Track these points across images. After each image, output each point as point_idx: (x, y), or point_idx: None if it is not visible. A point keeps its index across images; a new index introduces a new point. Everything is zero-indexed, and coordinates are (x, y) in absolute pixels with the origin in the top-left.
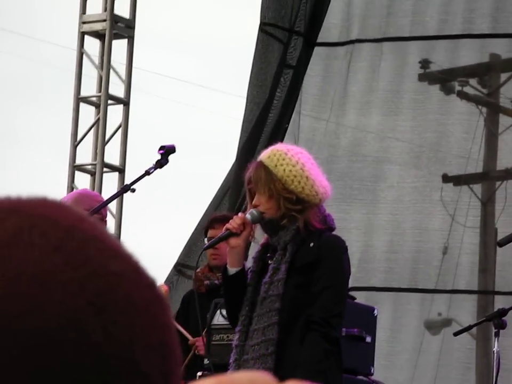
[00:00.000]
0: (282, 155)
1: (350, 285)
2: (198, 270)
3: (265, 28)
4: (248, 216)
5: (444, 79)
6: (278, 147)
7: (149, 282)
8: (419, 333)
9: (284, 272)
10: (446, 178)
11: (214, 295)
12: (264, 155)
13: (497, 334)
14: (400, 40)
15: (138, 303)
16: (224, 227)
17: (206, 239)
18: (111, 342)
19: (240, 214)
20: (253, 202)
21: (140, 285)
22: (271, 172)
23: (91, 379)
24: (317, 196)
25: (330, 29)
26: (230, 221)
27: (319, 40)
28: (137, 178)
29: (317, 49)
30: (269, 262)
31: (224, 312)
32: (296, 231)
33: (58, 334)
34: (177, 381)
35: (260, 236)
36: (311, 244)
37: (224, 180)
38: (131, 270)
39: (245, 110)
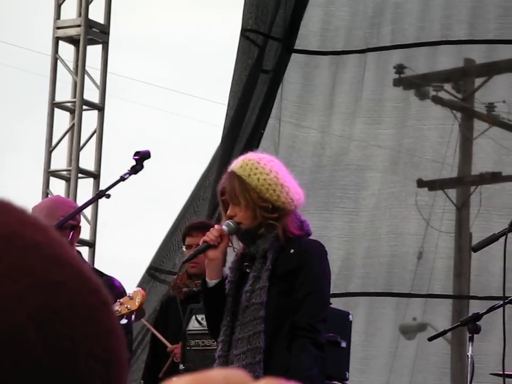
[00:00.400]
0: (254, 164)
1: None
2: (176, 277)
3: (246, 34)
4: (224, 227)
5: (419, 84)
6: (249, 156)
7: (92, 287)
8: (394, 337)
9: (266, 280)
10: (421, 183)
11: (193, 302)
12: (236, 165)
13: (471, 339)
14: (381, 50)
15: (81, 311)
16: (202, 239)
17: (184, 247)
18: (52, 355)
19: (216, 225)
20: (228, 213)
21: (83, 291)
22: (245, 181)
23: None
24: (293, 203)
25: (309, 36)
26: (207, 233)
27: (298, 47)
28: (112, 184)
29: (295, 56)
30: (247, 270)
31: (199, 317)
32: (275, 239)
33: None
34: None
35: (237, 245)
36: (292, 251)
37: (196, 185)
38: (74, 276)
39: (226, 116)
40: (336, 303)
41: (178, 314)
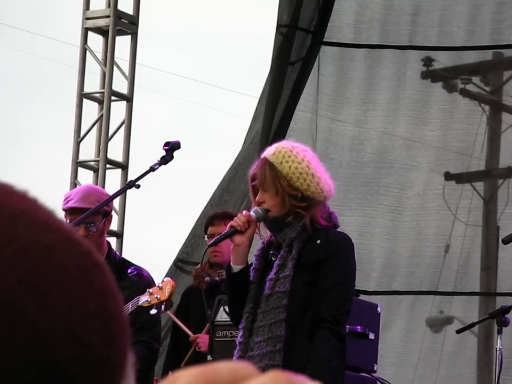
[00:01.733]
0: (287, 152)
1: (372, 289)
2: (198, 266)
3: (280, 30)
4: (252, 213)
5: (447, 77)
6: (283, 144)
7: (83, 250)
8: (426, 332)
9: (291, 269)
10: (448, 176)
11: (215, 292)
12: (269, 152)
13: (500, 332)
14: (427, 50)
15: (73, 272)
16: (229, 224)
17: (206, 236)
18: (47, 316)
19: (244, 211)
20: (257, 199)
21: (74, 254)
22: (277, 168)
23: (31, 356)
24: (322, 194)
25: (343, 28)
26: (235, 218)
27: (332, 39)
28: (142, 174)
29: (329, 49)
30: (273, 259)
31: (227, 308)
32: (302, 228)
33: None
34: (124, 345)
35: (264, 233)
36: (318, 241)
37: (224, 178)
38: (63, 240)
39: (265, 110)
40: (379, 301)
41: (200, 304)
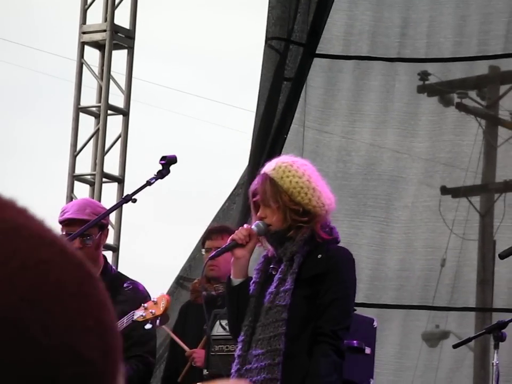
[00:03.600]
0: (288, 167)
1: (360, 301)
2: (196, 280)
3: (269, 42)
4: (254, 227)
5: (443, 91)
6: (282, 159)
7: (77, 262)
8: (426, 348)
9: (291, 283)
10: (444, 190)
11: (212, 306)
12: (269, 167)
13: (496, 347)
14: (415, 62)
15: (70, 286)
16: (230, 238)
17: (203, 250)
18: (49, 333)
19: (245, 225)
20: (258, 214)
21: (70, 266)
22: (277, 183)
23: (34, 374)
24: (323, 208)
25: (332, 40)
26: (236, 232)
27: (321, 51)
28: (138, 188)
29: (318, 61)
30: (273, 273)
31: (223, 323)
32: (303, 242)
33: None
34: (117, 355)
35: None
36: (319, 256)
37: (229, 196)
38: (59, 253)
39: (254, 125)
40: (367, 313)
41: (197, 319)
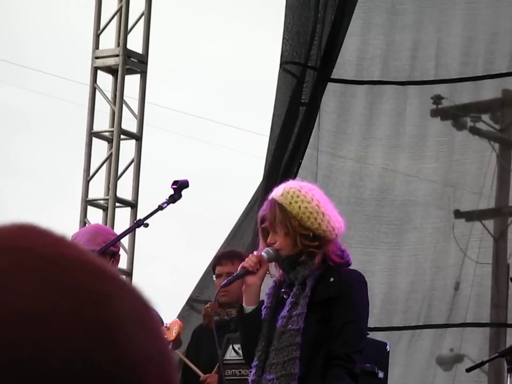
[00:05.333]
0: (296, 192)
1: (372, 325)
2: (208, 305)
3: (284, 66)
4: (264, 254)
5: (457, 115)
6: (290, 184)
7: (136, 295)
8: (432, 368)
9: (304, 307)
10: (458, 214)
11: (224, 331)
12: (277, 193)
13: (510, 370)
14: (424, 84)
15: (135, 319)
16: (240, 265)
17: (214, 276)
18: (119, 364)
19: (255, 252)
20: (268, 241)
21: (131, 300)
22: (286, 209)
23: None
24: (333, 232)
25: (345, 65)
26: (246, 259)
27: (334, 76)
28: (150, 213)
29: (331, 85)
30: (285, 296)
31: (236, 347)
32: (315, 266)
33: (66, 369)
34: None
35: (274, 272)
36: (331, 279)
37: (240, 218)
38: (119, 287)
39: (267, 150)
40: (379, 337)
41: (210, 344)
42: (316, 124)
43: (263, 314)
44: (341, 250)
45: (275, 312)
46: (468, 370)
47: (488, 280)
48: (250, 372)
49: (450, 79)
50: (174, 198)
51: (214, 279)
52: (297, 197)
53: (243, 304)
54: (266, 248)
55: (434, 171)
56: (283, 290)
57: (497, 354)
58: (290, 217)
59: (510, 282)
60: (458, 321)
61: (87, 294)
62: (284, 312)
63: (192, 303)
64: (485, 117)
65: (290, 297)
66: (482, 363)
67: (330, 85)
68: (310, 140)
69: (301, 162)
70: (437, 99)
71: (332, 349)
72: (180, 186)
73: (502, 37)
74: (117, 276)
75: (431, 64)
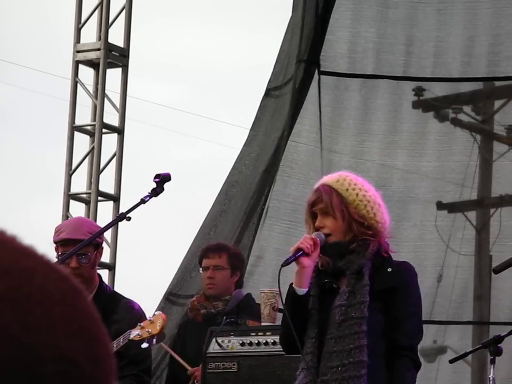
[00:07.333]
0: (353, 180)
1: None
2: (194, 298)
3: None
4: (317, 237)
5: (438, 107)
6: (345, 173)
7: (63, 275)
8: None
9: (366, 295)
10: (440, 206)
11: (211, 324)
12: (331, 179)
13: (493, 361)
14: (422, 81)
15: (54, 294)
16: (295, 247)
17: (201, 269)
18: (30, 332)
19: (308, 235)
20: (317, 224)
21: (54, 277)
22: (343, 195)
23: (17, 370)
24: (385, 225)
25: (337, 58)
26: (301, 240)
27: (327, 69)
28: (132, 207)
29: (324, 78)
30: (334, 286)
31: (219, 340)
32: (371, 255)
33: None
34: (109, 367)
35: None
36: (389, 269)
37: (211, 209)
38: (43, 265)
39: (247, 140)
40: None
41: (196, 337)
42: (317, 119)
43: (311, 303)
44: (388, 243)
45: (322, 301)
46: (451, 361)
47: (471, 271)
48: (235, 366)
49: (450, 78)
50: (156, 192)
51: (201, 271)
52: (355, 184)
53: (294, 286)
54: (317, 232)
55: (433, 169)
56: (327, 280)
57: (480, 345)
58: (346, 203)
59: (492, 273)
60: (442, 314)
61: (4, 266)
62: (341, 301)
63: (170, 297)
64: (467, 109)
65: (345, 286)
66: (466, 354)
67: (324, 78)
68: (313, 136)
69: (282, 154)
70: (419, 91)
71: (396, 338)
72: (162, 180)
73: (505, 38)
74: (46, 259)
75: (429, 61)
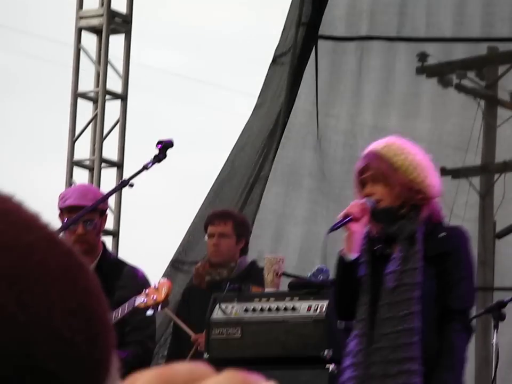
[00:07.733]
0: (400, 146)
1: None
2: (198, 265)
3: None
4: (367, 202)
5: (442, 72)
6: (392, 139)
7: (65, 249)
8: None
9: (420, 261)
10: (444, 171)
11: (215, 291)
12: (378, 146)
13: (496, 326)
14: (416, 41)
15: (54, 270)
16: (343, 213)
17: (206, 236)
18: (27, 311)
19: (356, 200)
20: (367, 191)
21: (56, 252)
22: (391, 161)
23: (10, 350)
24: (435, 189)
25: (335, 22)
26: (350, 206)
27: (325, 33)
28: (135, 173)
29: (323, 43)
30: (387, 251)
31: (223, 306)
32: (423, 220)
33: None
34: (107, 345)
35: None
36: (441, 235)
37: (218, 176)
38: (45, 239)
39: (256, 104)
40: None
41: (200, 303)
42: (314, 82)
43: (363, 269)
44: (440, 208)
45: (374, 267)
46: None
47: (475, 237)
48: (239, 333)
49: (443, 38)
50: (158, 158)
51: (206, 238)
52: (403, 149)
53: (344, 252)
54: (366, 198)
55: (430, 132)
56: (379, 246)
57: (483, 310)
58: (395, 168)
59: (496, 239)
60: None
61: (4, 242)
62: (394, 267)
63: (176, 264)
64: (471, 74)
65: (398, 252)
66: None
67: (322, 43)
68: (309, 98)
69: (287, 120)
70: (423, 56)
71: (449, 303)
72: (164, 146)
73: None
74: (49, 233)
75: (422, 21)
